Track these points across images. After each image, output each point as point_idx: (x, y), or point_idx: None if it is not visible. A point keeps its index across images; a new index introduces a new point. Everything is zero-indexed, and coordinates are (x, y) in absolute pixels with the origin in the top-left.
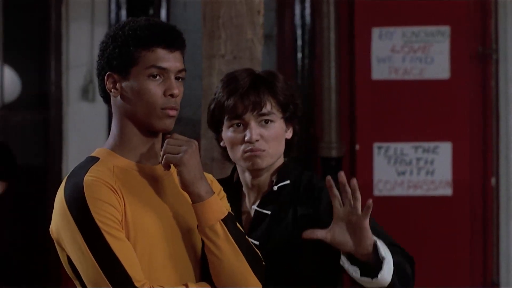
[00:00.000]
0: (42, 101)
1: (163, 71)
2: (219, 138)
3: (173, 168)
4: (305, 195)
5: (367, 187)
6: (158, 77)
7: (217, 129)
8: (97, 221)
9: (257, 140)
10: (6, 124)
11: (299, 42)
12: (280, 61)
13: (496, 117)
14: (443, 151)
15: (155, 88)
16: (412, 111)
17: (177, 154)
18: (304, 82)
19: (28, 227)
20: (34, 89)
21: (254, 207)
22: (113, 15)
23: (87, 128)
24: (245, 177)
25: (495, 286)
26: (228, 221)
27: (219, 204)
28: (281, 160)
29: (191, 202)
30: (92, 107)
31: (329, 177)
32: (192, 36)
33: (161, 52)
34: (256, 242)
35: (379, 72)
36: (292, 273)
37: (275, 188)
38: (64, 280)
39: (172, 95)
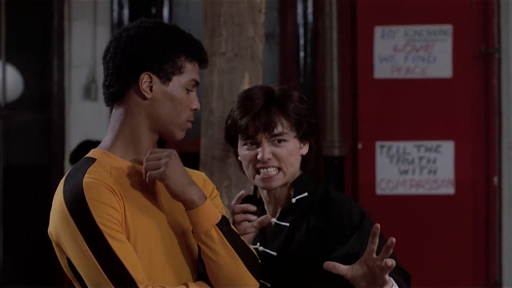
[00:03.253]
0: (45, 100)
1: (196, 86)
2: (236, 153)
3: None
4: (318, 207)
5: (369, 186)
6: (192, 90)
7: (233, 144)
8: (98, 223)
9: (269, 159)
10: (9, 123)
11: (302, 41)
12: (282, 60)
13: (498, 116)
14: (446, 150)
15: (188, 100)
16: (415, 110)
17: (159, 169)
18: (306, 81)
19: (30, 226)
20: (36, 88)
21: (274, 220)
22: (115, 14)
23: (89, 127)
24: (262, 191)
25: (497, 286)
26: (222, 225)
27: (212, 209)
28: (297, 174)
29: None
30: (95, 106)
31: (378, 226)
32: (194, 35)
33: (197, 67)
34: (274, 253)
35: (382, 71)
36: (307, 284)
37: (294, 200)
38: (66, 280)
39: (195, 109)
